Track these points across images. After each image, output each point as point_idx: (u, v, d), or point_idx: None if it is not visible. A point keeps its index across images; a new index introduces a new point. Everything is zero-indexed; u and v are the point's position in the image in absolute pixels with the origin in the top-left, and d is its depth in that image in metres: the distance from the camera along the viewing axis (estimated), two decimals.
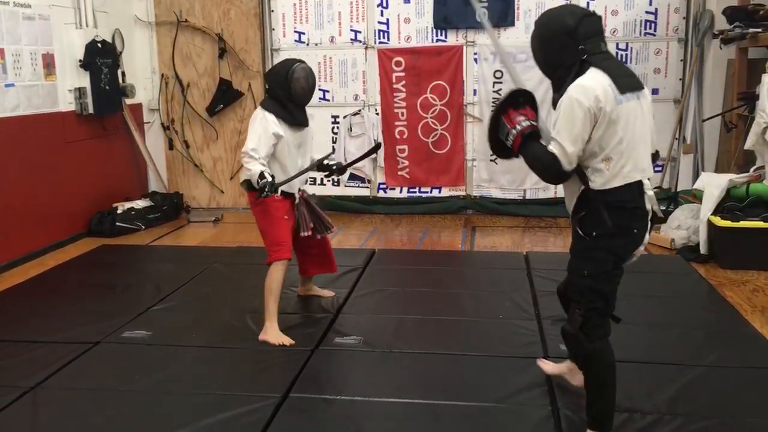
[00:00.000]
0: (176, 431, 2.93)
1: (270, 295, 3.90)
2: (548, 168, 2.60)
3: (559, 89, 2.63)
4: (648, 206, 2.71)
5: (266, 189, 3.60)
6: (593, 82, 2.53)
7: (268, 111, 3.84)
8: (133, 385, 3.39)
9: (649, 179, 2.73)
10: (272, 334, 3.85)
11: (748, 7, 6.02)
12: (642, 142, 2.64)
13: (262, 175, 3.63)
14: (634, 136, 2.60)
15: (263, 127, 3.78)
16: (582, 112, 2.51)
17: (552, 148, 2.58)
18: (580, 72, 2.58)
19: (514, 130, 2.62)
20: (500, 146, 2.74)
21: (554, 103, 2.67)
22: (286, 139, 3.84)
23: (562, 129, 2.54)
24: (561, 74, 2.62)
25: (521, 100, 2.68)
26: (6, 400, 3.20)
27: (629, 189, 2.62)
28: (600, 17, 2.71)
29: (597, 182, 2.61)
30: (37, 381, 3.39)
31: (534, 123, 2.65)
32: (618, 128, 2.55)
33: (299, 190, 4.02)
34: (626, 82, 2.59)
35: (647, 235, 2.75)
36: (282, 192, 3.85)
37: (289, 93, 3.81)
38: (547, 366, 3.34)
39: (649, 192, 2.71)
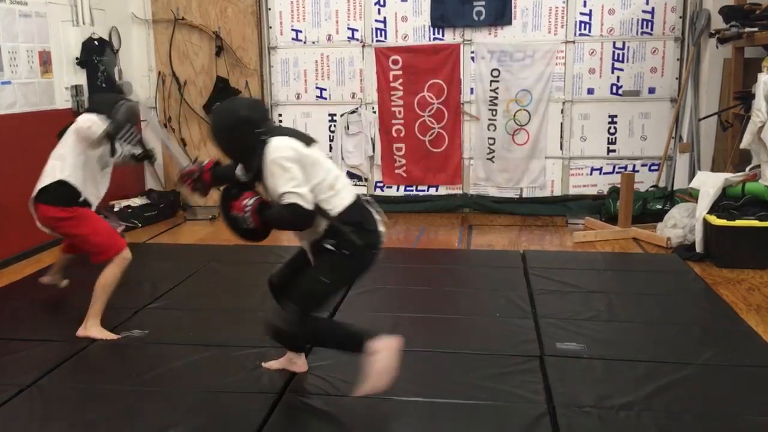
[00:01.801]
0: (172, 429, 2.92)
1: (106, 293, 3.94)
2: (295, 214, 2.85)
3: (251, 168, 2.96)
4: (382, 229, 3.06)
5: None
6: (282, 143, 2.91)
7: None
8: (129, 383, 3.38)
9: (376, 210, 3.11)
10: (97, 330, 3.91)
11: (745, 6, 6.04)
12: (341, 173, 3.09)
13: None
14: (332, 168, 3.03)
15: None
16: (289, 162, 2.85)
17: (288, 199, 2.84)
18: (265, 146, 2.89)
19: (247, 211, 2.90)
20: (251, 233, 3.01)
21: (251, 178, 3.00)
22: None
23: (286, 181, 2.84)
24: (250, 155, 2.93)
25: (234, 191, 3.00)
26: (2, 397, 3.20)
27: (358, 208, 3.00)
28: (260, 100, 3.02)
29: (335, 204, 2.94)
30: (34, 379, 3.39)
31: (256, 197, 2.95)
32: (320, 164, 2.96)
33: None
34: (303, 136, 3.01)
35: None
36: (84, 202, 3.98)
37: None
38: (272, 364, 3.45)
39: (378, 217, 3.09)
